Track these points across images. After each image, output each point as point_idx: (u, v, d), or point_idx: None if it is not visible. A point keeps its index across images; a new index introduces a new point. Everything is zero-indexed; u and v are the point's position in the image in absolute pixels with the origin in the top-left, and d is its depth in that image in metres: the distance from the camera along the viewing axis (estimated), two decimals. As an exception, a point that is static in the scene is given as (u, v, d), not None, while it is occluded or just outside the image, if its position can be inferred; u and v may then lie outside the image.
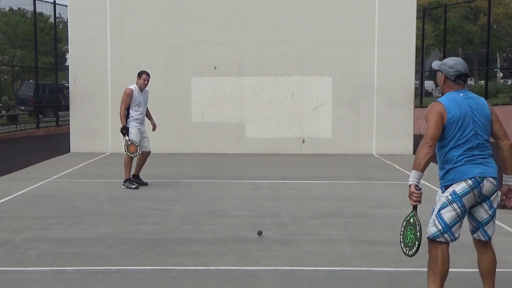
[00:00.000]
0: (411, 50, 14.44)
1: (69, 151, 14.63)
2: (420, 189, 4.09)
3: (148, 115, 9.52)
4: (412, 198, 4.10)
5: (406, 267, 5.30)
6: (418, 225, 4.14)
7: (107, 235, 6.41)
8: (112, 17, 14.50)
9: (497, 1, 35.94)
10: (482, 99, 4.23)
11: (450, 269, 5.26)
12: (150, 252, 5.77)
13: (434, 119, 4.03)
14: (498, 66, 43.82)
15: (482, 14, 39.08)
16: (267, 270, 5.19)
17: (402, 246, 4.26)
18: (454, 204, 4.06)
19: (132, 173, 9.32)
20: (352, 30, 14.38)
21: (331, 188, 9.49)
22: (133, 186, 9.15)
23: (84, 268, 5.23)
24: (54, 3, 21.75)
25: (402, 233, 4.27)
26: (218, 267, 5.27)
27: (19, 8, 37.83)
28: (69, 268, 5.23)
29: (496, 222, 4.81)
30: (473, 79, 45.20)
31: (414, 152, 15.39)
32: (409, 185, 4.09)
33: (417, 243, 4.13)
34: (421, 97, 24.83)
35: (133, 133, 9.05)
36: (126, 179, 9.22)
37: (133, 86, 9.18)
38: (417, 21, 16.10)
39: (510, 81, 37.64)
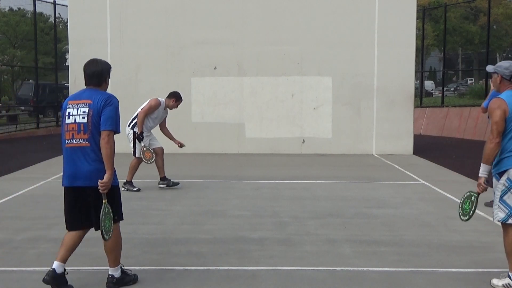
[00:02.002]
0: (411, 50, 14.44)
1: (69, 151, 14.62)
2: (488, 183, 4.73)
3: (170, 136, 9.48)
4: (480, 188, 4.74)
5: (406, 267, 5.29)
6: (475, 206, 4.84)
7: (107, 235, 6.39)
8: (112, 17, 14.50)
9: (497, 1, 35.93)
10: None
11: (449, 269, 5.28)
12: (150, 252, 5.77)
13: (499, 115, 4.55)
14: (498, 66, 43.76)
15: (482, 14, 39.09)
16: (267, 270, 5.19)
17: (460, 210, 5.02)
18: None
19: (159, 176, 9.39)
20: (352, 30, 14.38)
21: (331, 188, 9.49)
22: (135, 189, 9.12)
23: (84, 268, 5.23)
24: (54, 3, 21.75)
25: (462, 201, 5.00)
26: (218, 267, 5.26)
27: (19, 8, 37.84)
28: (69, 268, 5.22)
29: (496, 222, 4.84)
30: (473, 79, 45.19)
31: (414, 152, 15.35)
32: (480, 177, 4.71)
33: (468, 216, 4.90)
34: (421, 97, 24.81)
35: (144, 139, 9.10)
36: (127, 181, 9.19)
37: (162, 100, 9.20)
38: (417, 21, 16.09)
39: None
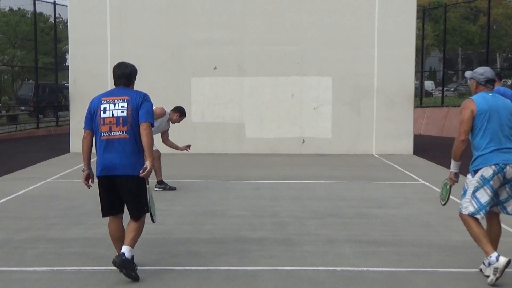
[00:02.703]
0: (411, 50, 14.43)
1: (69, 151, 14.63)
2: (458, 177, 5.18)
3: (174, 146, 9.33)
4: (451, 181, 5.24)
5: (406, 267, 5.30)
6: (449, 193, 5.35)
7: (107, 235, 6.34)
8: (112, 17, 14.49)
9: (497, 1, 35.91)
10: (508, 100, 5.06)
11: (449, 269, 5.29)
12: (150, 252, 5.77)
13: (466, 115, 4.86)
14: (498, 66, 43.82)
15: (482, 14, 39.06)
16: (267, 270, 5.19)
17: (440, 195, 5.59)
18: (485, 187, 4.83)
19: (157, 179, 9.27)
20: (352, 30, 14.37)
21: (331, 188, 9.49)
22: None
23: (84, 268, 5.24)
24: (54, 3, 21.74)
25: (441, 188, 5.56)
26: (218, 267, 5.27)
27: (19, 8, 37.81)
28: (69, 268, 5.23)
29: (462, 213, 4.98)
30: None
31: (414, 152, 15.37)
32: (450, 172, 5.19)
33: (445, 201, 5.43)
34: (421, 97, 24.81)
35: None
36: None
37: (167, 111, 9.13)
38: (417, 21, 16.09)
39: (510, 81, 37.60)
